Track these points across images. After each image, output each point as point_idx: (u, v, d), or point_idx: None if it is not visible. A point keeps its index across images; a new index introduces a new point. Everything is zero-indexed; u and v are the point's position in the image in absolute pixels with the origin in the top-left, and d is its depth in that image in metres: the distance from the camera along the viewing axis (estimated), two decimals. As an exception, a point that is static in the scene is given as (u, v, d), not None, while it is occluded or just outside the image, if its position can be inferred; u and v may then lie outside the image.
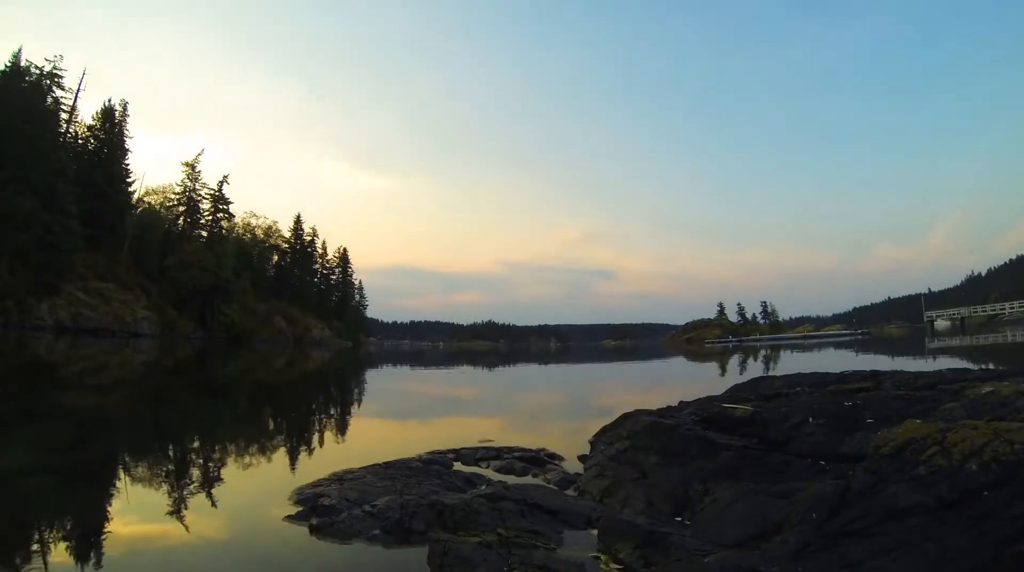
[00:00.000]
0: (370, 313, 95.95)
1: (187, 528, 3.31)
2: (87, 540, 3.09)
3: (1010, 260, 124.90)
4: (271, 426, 7.88)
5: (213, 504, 3.81)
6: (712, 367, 21.87)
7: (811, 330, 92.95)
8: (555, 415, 8.97)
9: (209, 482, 4.42)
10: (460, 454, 5.48)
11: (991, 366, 7.97)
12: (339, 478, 4.23)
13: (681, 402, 5.90)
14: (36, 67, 36.03)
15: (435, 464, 4.80)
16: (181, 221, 51.60)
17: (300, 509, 3.60)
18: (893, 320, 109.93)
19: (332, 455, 5.49)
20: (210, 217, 53.56)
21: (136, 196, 47.97)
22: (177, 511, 3.62)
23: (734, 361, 24.55)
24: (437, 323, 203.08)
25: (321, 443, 6.25)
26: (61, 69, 38.44)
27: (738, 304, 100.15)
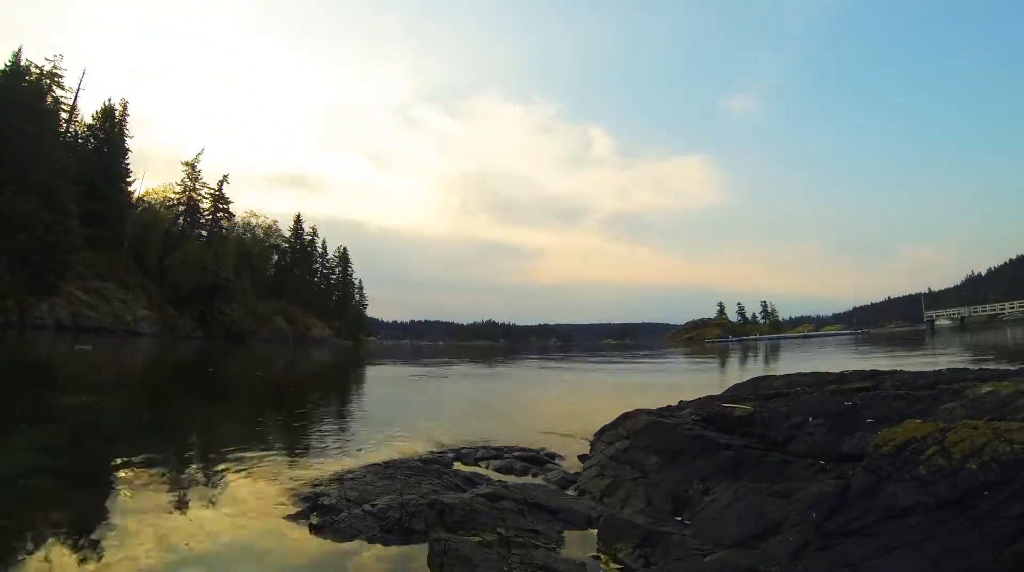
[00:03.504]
0: (371, 313, 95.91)
1: (187, 528, 3.31)
2: (86, 541, 3.09)
3: (1010, 260, 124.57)
4: (271, 426, 7.87)
5: (213, 504, 3.81)
6: (712, 366, 21.88)
7: (811, 330, 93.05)
8: (555, 415, 8.96)
9: (209, 482, 4.42)
10: (460, 454, 5.49)
11: (991, 366, 7.96)
12: (339, 478, 4.23)
13: (681, 401, 5.90)
14: (36, 67, 36.07)
15: (435, 463, 4.81)
16: (181, 221, 51.62)
17: (301, 508, 3.60)
18: (893, 320, 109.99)
19: (332, 455, 5.49)
20: (210, 217, 53.63)
21: (136, 196, 48.01)
22: (177, 511, 3.62)
23: (734, 360, 24.55)
24: (437, 322, 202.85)
25: (321, 443, 6.25)
26: (61, 69, 38.56)
27: (738, 304, 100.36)
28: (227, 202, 54.18)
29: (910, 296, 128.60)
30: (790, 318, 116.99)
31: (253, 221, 63.38)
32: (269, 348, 38.33)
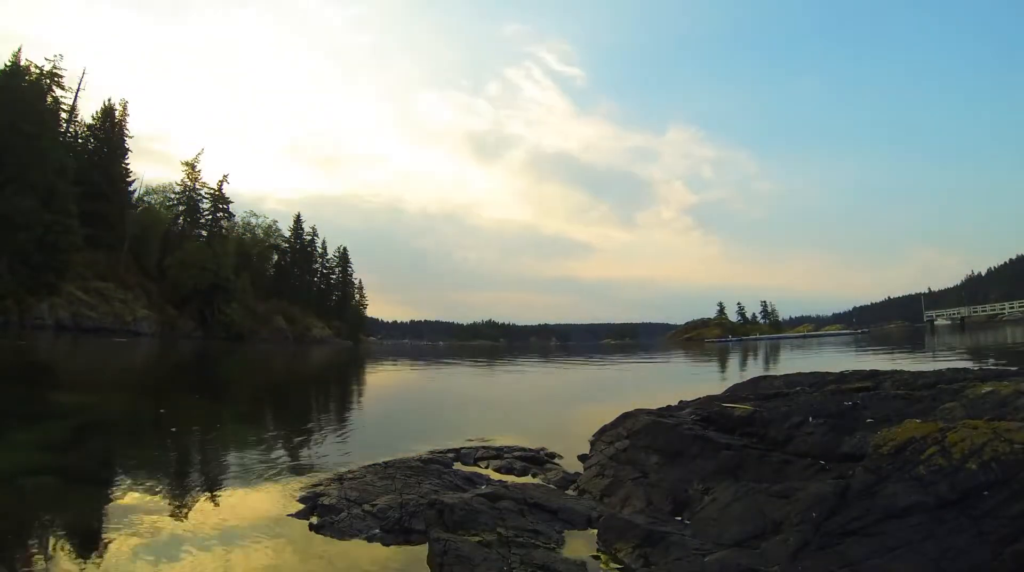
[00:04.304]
0: (371, 312, 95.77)
1: (187, 528, 3.31)
2: (87, 540, 3.09)
3: (1010, 260, 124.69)
4: (271, 425, 7.88)
5: (213, 504, 3.81)
6: (712, 366, 21.88)
7: (811, 330, 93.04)
8: (555, 415, 8.97)
9: (209, 481, 4.42)
10: (460, 453, 5.49)
11: (991, 365, 7.97)
12: (339, 477, 4.24)
13: (681, 401, 5.91)
14: (36, 67, 36.07)
15: (435, 463, 4.81)
16: (181, 221, 51.65)
17: (300, 508, 3.60)
18: (893, 320, 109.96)
19: (332, 454, 5.50)
20: (210, 216, 53.70)
21: (136, 195, 48.04)
22: (177, 510, 3.62)
23: (734, 360, 24.56)
24: (437, 322, 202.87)
25: (321, 442, 6.25)
26: (61, 69, 38.54)
27: (738, 304, 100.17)
28: (227, 202, 54.22)
29: (910, 296, 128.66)
30: (790, 318, 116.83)
31: (253, 221, 63.44)
32: (269, 348, 38.34)
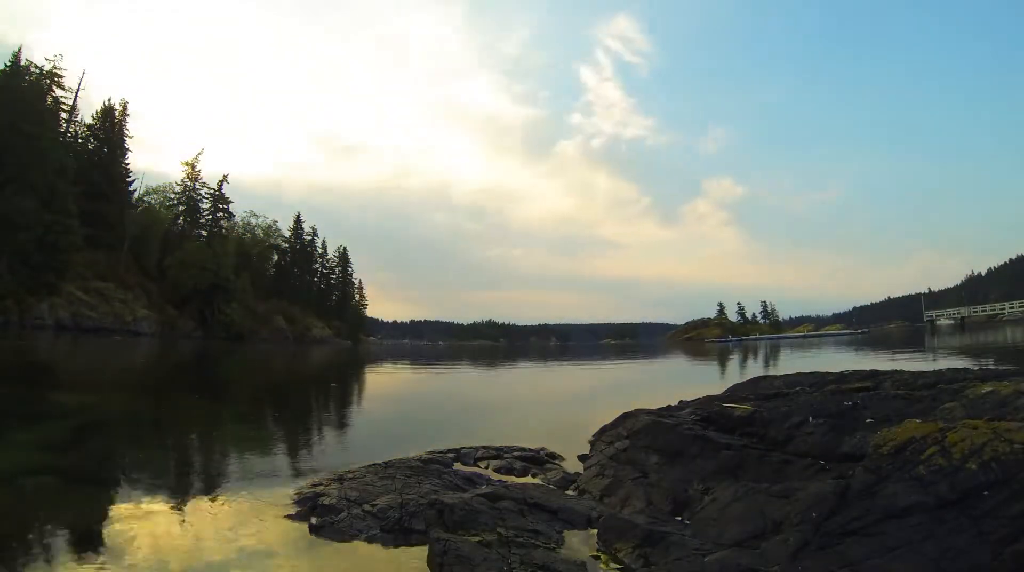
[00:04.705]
0: (371, 312, 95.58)
1: (187, 527, 3.31)
2: (87, 540, 3.09)
3: (1010, 260, 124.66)
4: (271, 425, 7.88)
5: (213, 503, 3.81)
6: (712, 366, 21.88)
7: (811, 330, 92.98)
8: (555, 415, 8.96)
9: (209, 482, 4.42)
10: (460, 454, 5.49)
11: (991, 365, 7.96)
12: (339, 477, 4.24)
13: (681, 401, 5.91)
14: (36, 67, 36.05)
15: (435, 463, 4.81)
16: (181, 221, 51.66)
17: (300, 508, 3.60)
18: (893, 320, 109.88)
19: (332, 454, 5.50)
20: (210, 216, 53.72)
21: (136, 195, 48.03)
22: (177, 511, 3.62)
23: (734, 360, 24.55)
24: (437, 322, 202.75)
25: (321, 442, 6.25)
26: (61, 69, 38.54)
27: (738, 304, 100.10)
28: (227, 202, 54.25)
29: (910, 296, 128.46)
30: (790, 318, 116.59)
31: (253, 221, 63.43)
32: (269, 348, 38.36)
